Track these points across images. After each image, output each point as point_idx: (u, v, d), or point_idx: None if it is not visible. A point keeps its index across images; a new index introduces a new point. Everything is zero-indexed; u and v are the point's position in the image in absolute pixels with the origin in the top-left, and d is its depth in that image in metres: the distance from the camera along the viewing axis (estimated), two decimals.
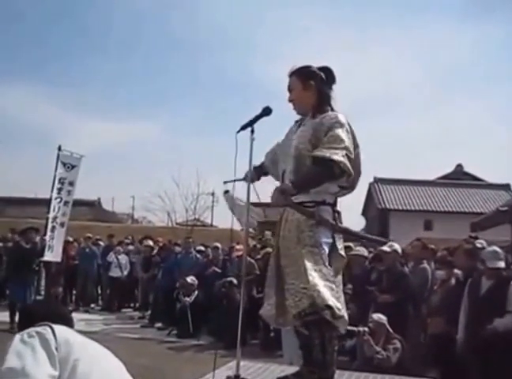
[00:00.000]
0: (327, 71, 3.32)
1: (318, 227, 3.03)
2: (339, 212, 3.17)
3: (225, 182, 3.66)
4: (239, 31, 49.21)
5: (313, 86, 3.25)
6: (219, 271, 10.02)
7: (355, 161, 3.13)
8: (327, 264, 2.99)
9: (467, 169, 31.10)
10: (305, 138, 3.15)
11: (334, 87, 3.34)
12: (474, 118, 47.66)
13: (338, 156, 2.93)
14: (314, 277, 2.89)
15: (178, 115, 47.24)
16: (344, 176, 3.02)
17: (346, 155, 2.97)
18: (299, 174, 3.11)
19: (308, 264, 2.92)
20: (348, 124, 3.15)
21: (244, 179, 3.52)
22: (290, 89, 3.32)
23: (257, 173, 3.53)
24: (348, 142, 3.03)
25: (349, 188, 3.25)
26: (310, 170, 3.07)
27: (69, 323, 2.26)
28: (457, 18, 49.14)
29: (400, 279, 6.71)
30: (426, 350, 6.22)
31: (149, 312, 11.09)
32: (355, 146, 3.17)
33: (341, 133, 3.04)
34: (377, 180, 27.81)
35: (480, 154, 44.72)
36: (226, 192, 3.68)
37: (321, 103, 3.25)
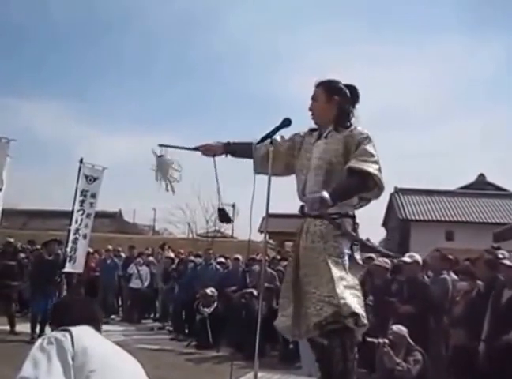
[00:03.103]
0: (352, 89, 3.41)
1: (342, 238, 3.11)
2: (357, 224, 3.25)
3: (160, 145, 3.70)
4: (259, 46, 49.35)
5: (336, 101, 3.33)
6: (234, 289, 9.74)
7: None
8: (349, 273, 3.05)
9: (489, 179, 30.68)
10: (337, 152, 3.22)
11: (357, 106, 3.42)
12: (496, 127, 47.03)
13: (373, 169, 3.05)
14: (340, 286, 2.95)
15: (198, 128, 47.55)
16: (375, 189, 3.12)
17: (379, 169, 3.09)
18: (335, 185, 3.14)
19: (334, 274, 2.98)
20: None
21: (183, 148, 3.63)
22: (313, 99, 3.38)
23: (224, 148, 3.57)
24: (377, 157, 3.13)
25: (368, 200, 3.29)
26: (346, 182, 3.13)
27: (96, 324, 2.28)
28: (474, 33, 48.73)
29: (420, 289, 6.63)
30: (448, 362, 6.14)
31: (169, 323, 11.13)
32: None
33: (371, 148, 3.15)
34: (398, 190, 27.56)
35: (503, 163, 44.04)
36: (160, 156, 3.68)
37: (342, 118, 3.32)
